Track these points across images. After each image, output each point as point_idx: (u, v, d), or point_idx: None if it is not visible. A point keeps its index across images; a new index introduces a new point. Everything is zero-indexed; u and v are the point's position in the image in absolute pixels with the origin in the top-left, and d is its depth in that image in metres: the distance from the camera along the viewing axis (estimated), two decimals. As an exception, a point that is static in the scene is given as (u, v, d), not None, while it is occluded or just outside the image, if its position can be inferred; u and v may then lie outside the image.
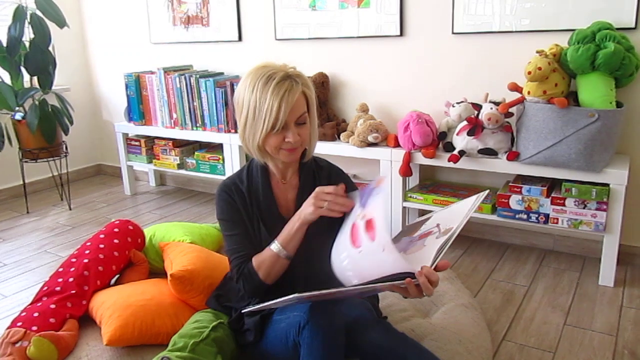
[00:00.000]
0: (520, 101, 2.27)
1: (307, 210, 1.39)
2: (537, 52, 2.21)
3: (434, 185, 2.77)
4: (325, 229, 1.52)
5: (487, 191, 1.48)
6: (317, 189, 1.40)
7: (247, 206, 1.53)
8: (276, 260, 1.45)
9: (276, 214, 1.54)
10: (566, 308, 2.12)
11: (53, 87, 3.41)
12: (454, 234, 1.23)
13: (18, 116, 3.29)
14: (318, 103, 2.90)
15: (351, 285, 1.26)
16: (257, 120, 1.39)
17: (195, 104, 3.25)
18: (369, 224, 1.27)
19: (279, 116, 1.37)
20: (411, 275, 1.19)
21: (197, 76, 3.20)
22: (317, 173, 1.58)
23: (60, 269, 1.91)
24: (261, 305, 1.37)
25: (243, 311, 1.48)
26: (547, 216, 2.31)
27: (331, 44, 3.00)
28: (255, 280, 1.46)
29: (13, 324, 1.70)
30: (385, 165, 2.66)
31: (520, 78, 2.24)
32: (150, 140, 3.60)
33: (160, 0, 3.56)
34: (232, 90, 3.11)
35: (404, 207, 2.67)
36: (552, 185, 2.37)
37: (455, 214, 1.33)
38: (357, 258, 1.29)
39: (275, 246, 1.45)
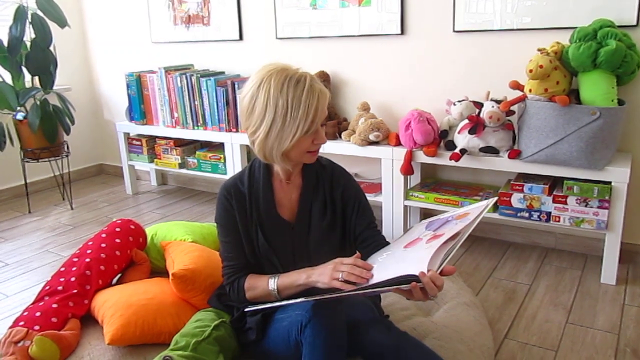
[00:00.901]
0: (522, 99, 2.27)
1: (321, 278, 1.35)
2: (539, 50, 2.20)
3: (436, 183, 2.77)
4: (327, 233, 1.52)
5: (496, 198, 1.49)
6: (336, 259, 1.36)
7: (247, 210, 1.53)
8: (268, 294, 1.47)
9: (275, 217, 1.53)
10: (568, 306, 2.12)
11: (54, 87, 3.41)
12: (460, 240, 1.23)
13: (19, 116, 3.30)
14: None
15: (358, 289, 1.25)
16: (288, 124, 1.36)
17: (196, 103, 3.25)
18: (435, 237, 1.29)
19: (315, 119, 1.36)
20: (417, 278, 1.19)
21: (198, 75, 3.20)
22: (320, 172, 1.58)
23: (62, 269, 1.91)
24: (267, 305, 1.37)
25: (246, 310, 1.49)
26: (548, 214, 2.30)
27: (332, 42, 3.00)
28: (241, 296, 1.51)
29: (15, 323, 1.70)
30: (387, 164, 2.66)
31: (522, 76, 2.24)
32: (152, 139, 3.60)
33: (161, -1, 3.57)
34: (233, 90, 3.10)
35: (405, 206, 2.67)
36: (554, 184, 2.37)
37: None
38: (395, 255, 1.31)
39: (272, 284, 1.45)
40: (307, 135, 1.38)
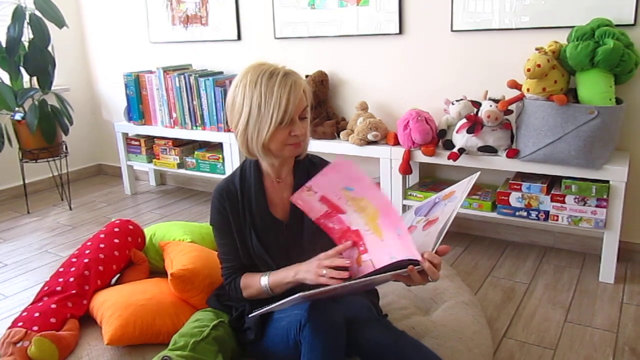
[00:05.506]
0: (520, 98, 2.27)
1: (308, 275, 1.37)
2: (537, 49, 2.21)
3: (434, 183, 2.77)
4: (321, 230, 1.52)
5: (479, 172, 1.51)
6: (321, 255, 1.39)
7: (239, 211, 1.54)
8: (261, 292, 1.50)
9: (268, 216, 1.54)
10: (567, 305, 2.13)
11: (52, 87, 3.41)
12: (451, 219, 1.25)
13: (18, 116, 3.30)
14: (317, 101, 2.91)
15: (354, 279, 1.26)
16: (263, 115, 1.38)
17: (194, 103, 3.25)
18: (430, 223, 1.31)
19: (288, 109, 1.37)
20: (414, 262, 1.20)
21: (197, 75, 3.20)
22: (311, 169, 1.57)
23: (61, 269, 1.91)
24: (266, 308, 1.37)
25: (250, 316, 1.49)
26: (547, 213, 2.31)
27: (330, 42, 3.00)
28: (239, 294, 1.55)
29: (14, 324, 1.70)
30: (385, 164, 2.66)
31: (520, 75, 2.24)
32: (150, 139, 3.60)
33: (159, -1, 3.57)
34: (232, 89, 3.10)
35: (404, 205, 2.67)
36: (552, 183, 2.37)
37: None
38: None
39: (264, 282, 1.48)
40: (283, 126, 1.39)
